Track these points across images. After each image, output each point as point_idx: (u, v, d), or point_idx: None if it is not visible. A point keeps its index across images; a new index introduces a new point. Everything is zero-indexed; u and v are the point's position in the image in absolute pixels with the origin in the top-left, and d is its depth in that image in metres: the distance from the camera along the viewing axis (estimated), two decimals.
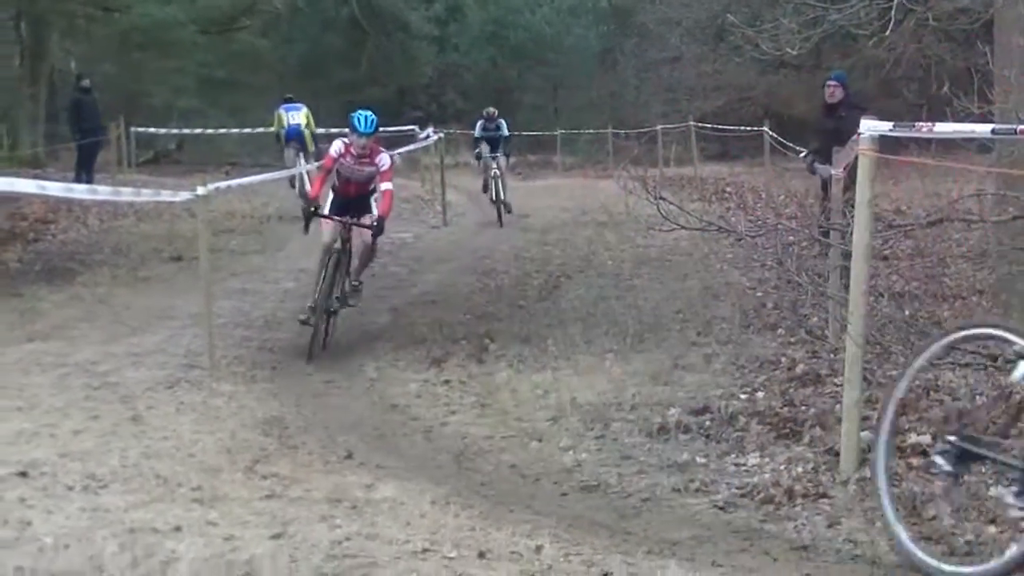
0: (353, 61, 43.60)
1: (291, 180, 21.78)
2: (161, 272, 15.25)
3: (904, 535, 5.69)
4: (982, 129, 6.94)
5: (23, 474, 6.63)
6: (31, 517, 5.92)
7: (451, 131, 29.92)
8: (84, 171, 23.47)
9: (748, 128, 29.56)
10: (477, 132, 23.19)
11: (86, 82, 25.40)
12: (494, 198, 22.02)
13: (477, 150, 23.16)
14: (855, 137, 7.72)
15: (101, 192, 12.31)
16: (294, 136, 23.69)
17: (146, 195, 12.30)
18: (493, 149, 22.60)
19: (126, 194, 12.17)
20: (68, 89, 30.19)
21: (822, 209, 11.37)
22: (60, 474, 6.70)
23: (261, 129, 33.12)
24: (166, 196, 12.04)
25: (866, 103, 15.93)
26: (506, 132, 22.99)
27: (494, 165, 22.21)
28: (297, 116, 23.94)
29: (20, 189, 10.75)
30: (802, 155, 14.70)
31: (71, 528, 5.79)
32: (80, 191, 12.58)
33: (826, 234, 9.81)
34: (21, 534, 5.69)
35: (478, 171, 23.82)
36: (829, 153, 12.38)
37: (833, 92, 13.83)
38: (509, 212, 22.03)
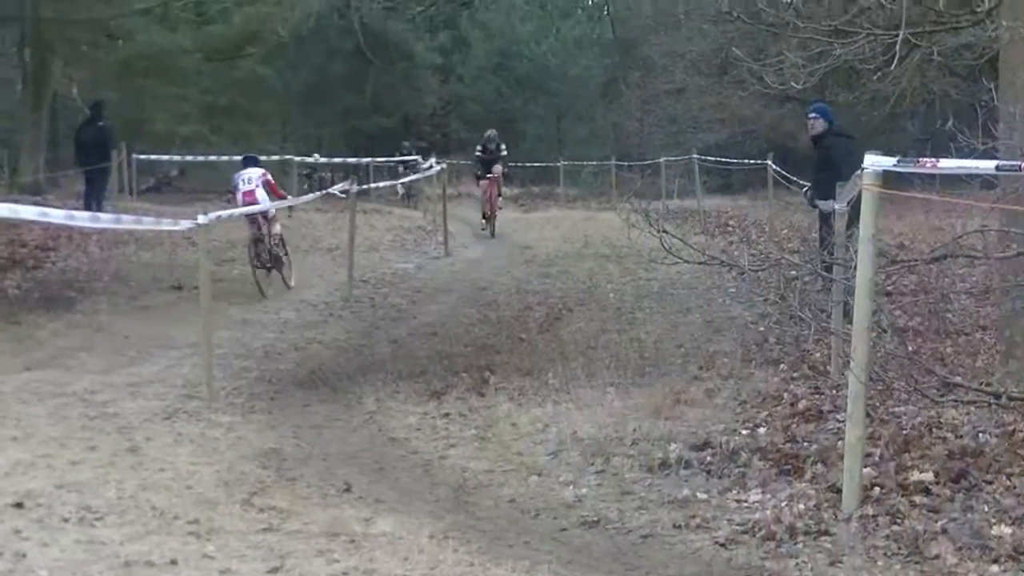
0: (357, 90, 43.82)
1: None
2: (161, 301, 15.20)
3: None
4: (986, 165, 6.92)
5: (19, 505, 6.58)
6: (26, 549, 5.87)
7: (454, 161, 29.87)
8: (95, 200, 23.03)
9: (752, 161, 29.59)
10: None
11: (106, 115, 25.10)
12: None
13: None
14: (858, 172, 7.70)
15: (102, 219, 12.28)
16: None
17: (147, 223, 12.27)
18: None
19: (127, 222, 12.15)
20: (70, 115, 30.00)
21: (823, 244, 11.32)
22: (56, 505, 6.65)
23: (264, 157, 33.00)
24: (167, 224, 12.01)
25: (852, 131, 15.75)
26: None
27: None
28: None
29: (23, 216, 10.75)
30: (804, 190, 14.55)
31: (66, 560, 5.73)
32: (81, 218, 12.54)
33: (829, 269, 9.77)
34: (16, 566, 5.63)
35: None
36: (823, 186, 12.34)
37: (813, 125, 13.50)
38: None
